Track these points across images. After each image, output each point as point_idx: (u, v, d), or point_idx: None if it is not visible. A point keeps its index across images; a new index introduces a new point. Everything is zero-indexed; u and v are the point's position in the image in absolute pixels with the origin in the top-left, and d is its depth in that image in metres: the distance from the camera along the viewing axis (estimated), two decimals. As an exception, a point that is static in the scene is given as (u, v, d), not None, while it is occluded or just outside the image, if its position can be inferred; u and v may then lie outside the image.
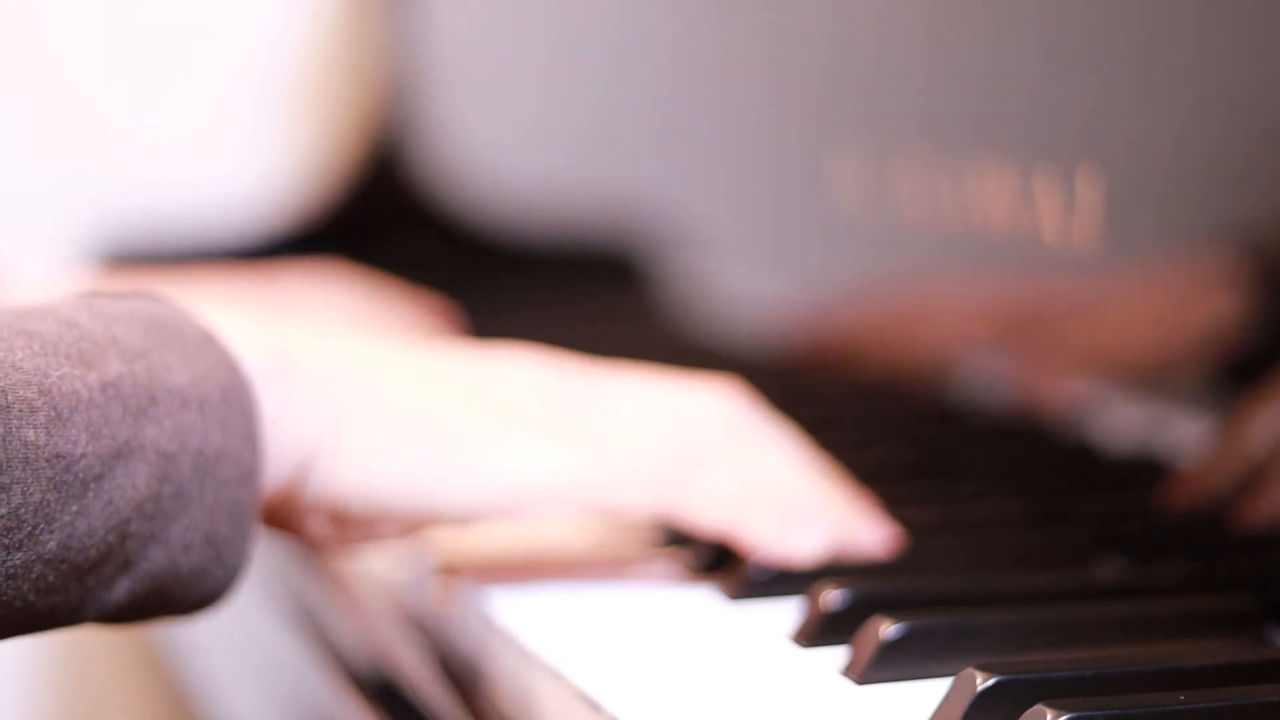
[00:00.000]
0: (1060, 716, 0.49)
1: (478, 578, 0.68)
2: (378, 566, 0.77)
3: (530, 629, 0.62)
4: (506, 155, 1.30)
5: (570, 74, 1.25)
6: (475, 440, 0.63)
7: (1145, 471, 0.75)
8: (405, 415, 0.62)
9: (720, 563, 0.68)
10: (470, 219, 1.30)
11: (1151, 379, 0.76)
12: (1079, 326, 0.78)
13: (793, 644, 0.60)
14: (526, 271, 1.27)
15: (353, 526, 0.63)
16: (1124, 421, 0.78)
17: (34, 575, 0.54)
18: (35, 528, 0.53)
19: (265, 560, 0.80)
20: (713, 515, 0.65)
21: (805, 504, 0.66)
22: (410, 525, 0.64)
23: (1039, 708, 0.50)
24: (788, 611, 0.63)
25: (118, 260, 1.27)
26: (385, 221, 1.33)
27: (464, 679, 0.67)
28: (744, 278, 1.04)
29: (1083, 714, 0.49)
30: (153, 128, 1.47)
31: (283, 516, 0.62)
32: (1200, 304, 0.72)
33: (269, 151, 1.48)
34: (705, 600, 0.65)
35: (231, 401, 0.57)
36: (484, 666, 0.65)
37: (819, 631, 0.60)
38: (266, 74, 1.49)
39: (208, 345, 0.58)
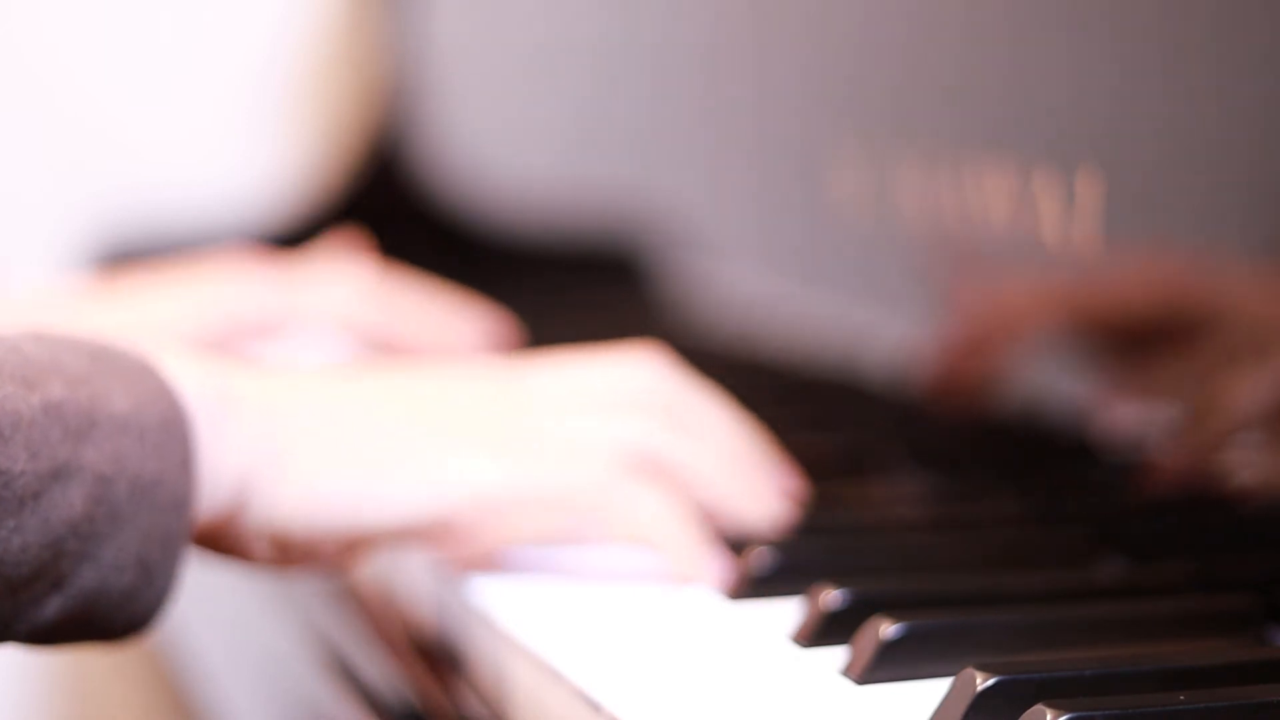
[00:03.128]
0: (1060, 716, 0.49)
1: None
2: (372, 567, 0.77)
3: (530, 629, 0.62)
4: (506, 155, 1.30)
5: (570, 74, 1.25)
6: (402, 456, 0.64)
7: (1145, 470, 0.75)
8: (339, 438, 0.64)
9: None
10: (470, 219, 1.30)
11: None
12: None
13: (793, 644, 0.60)
14: (526, 272, 1.27)
15: (295, 550, 0.64)
16: (1123, 420, 0.78)
17: None
18: None
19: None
20: (625, 539, 0.66)
21: (723, 499, 0.68)
22: (348, 545, 0.64)
23: (1039, 708, 0.50)
24: (788, 611, 0.63)
25: (116, 260, 1.27)
26: (384, 221, 1.33)
27: (468, 683, 0.67)
28: (743, 277, 1.04)
29: (1083, 714, 0.49)
30: (152, 127, 1.47)
31: (225, 541, 0.63)
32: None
33: (268, 151, 1.48)
34: (704, 599, 0.65)
35: (170, 430, 0.59)
36: (481, 664, 0.65)
37: (819, 631, 0.60)
38: (266, 73, 1.49)
39: (148, 376, 0.59)
